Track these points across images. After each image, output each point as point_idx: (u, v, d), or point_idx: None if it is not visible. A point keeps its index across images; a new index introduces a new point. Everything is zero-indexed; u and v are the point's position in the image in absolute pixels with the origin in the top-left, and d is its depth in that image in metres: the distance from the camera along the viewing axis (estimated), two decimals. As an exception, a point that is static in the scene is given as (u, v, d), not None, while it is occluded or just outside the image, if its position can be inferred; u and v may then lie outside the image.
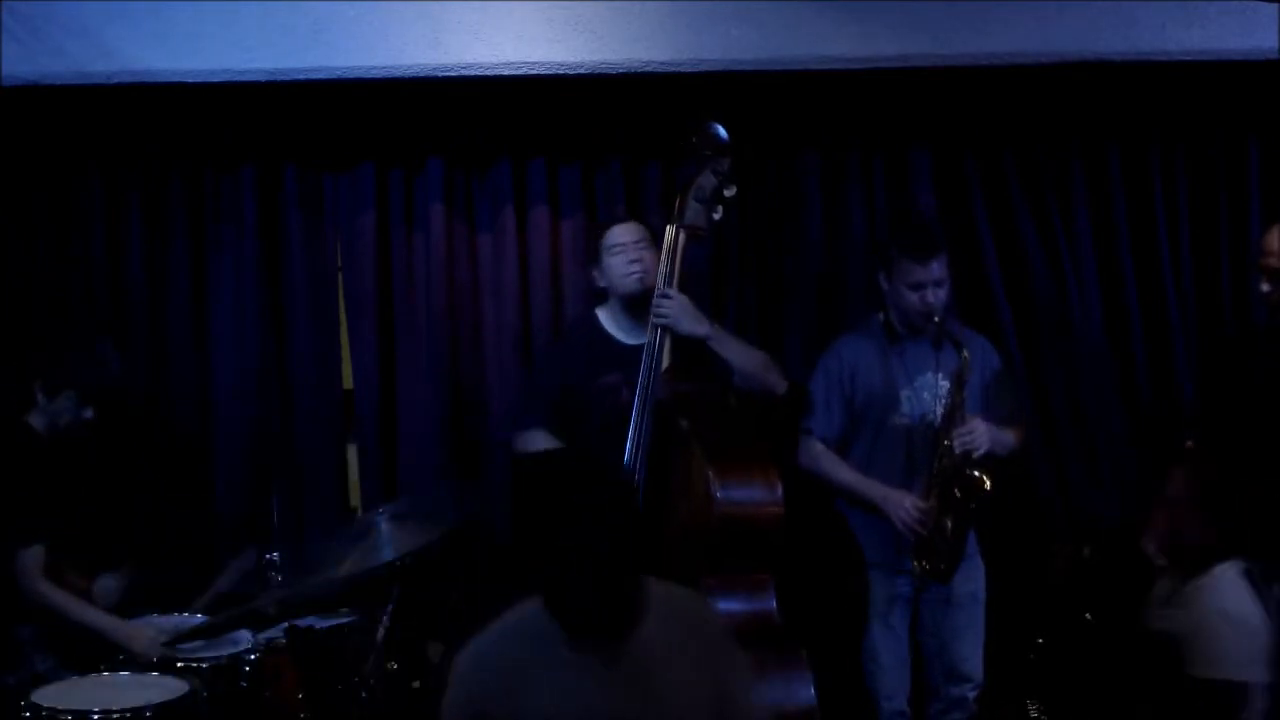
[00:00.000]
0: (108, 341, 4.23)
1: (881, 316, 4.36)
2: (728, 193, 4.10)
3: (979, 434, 4.15)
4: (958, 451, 4.12)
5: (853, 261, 4.90)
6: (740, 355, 4.17)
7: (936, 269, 4.21)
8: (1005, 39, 4.61)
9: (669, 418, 4.00)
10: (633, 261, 4.20)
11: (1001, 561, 4.48)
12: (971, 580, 4.32)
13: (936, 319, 4.19)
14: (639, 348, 4.07)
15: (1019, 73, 4.65)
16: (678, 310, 4.06)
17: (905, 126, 4.91)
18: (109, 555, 4.21)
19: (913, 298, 4.21)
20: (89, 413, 3.99)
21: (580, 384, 4.24)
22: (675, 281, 4.08)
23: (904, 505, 4.16)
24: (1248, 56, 4.63)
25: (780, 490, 3.84)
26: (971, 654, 4.31)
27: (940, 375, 4.24)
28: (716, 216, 4.12)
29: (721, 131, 4.07)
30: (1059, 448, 4.95)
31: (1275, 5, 4.50)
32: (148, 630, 3.91)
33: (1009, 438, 4.32)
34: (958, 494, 4.12)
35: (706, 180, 4.09)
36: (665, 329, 4.04)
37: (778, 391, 4.23)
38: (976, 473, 4.10)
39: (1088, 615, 4.47)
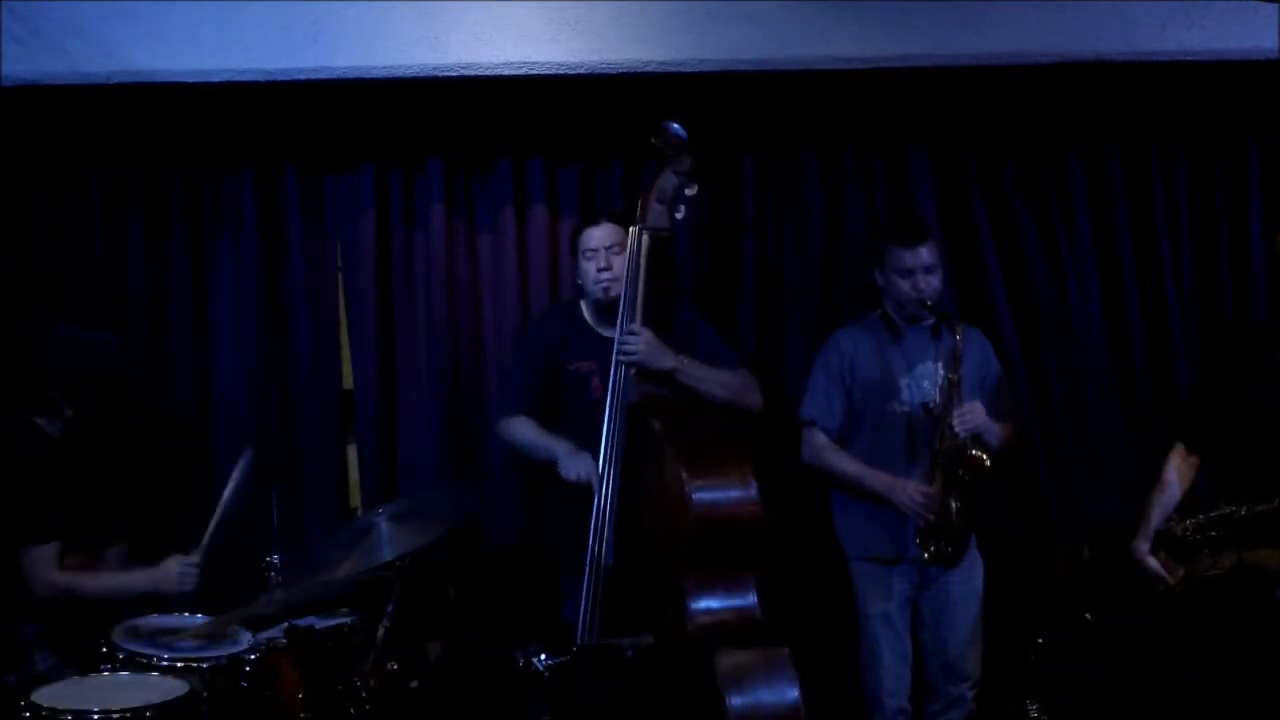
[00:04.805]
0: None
1: (879, 312, 4.39)
2: (689, 191, 4.11)
3: (978, 413, 4.19)
4: (958, 431, 4.15)
5: (852, 262, 4.90)
6: (709, 382, 4.17)
7: (925, 254, 4.26)
8: (1005, 39, 4.61)
9: (642, 420, 3.99)
10: (602, 270, 4.20)
11: (1001, 561, 4.49)
12: (971, 578, 4.33)
13: (929, 303, 4.23)
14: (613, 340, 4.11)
15: (1019, 73, 4.65)
16: (644, 348, 4.06)
17: (905, 126, 4.91)
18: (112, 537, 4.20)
19: (904, 285, 4.25)
20: (70, 411, 3.97)
21: (556, 363, 4.26)
22: (641, 284, 4.08)
23: (909, 492, 4.19)
24: (1248, 57, 4.63)
25: (755, 488, 3.81)
26: (970, 652, 4.33)
27: (939, 363, 4.27)
28: (679, 216, 4.14)
29: (680, 130, 4.07)
30: (1059, 448, 4.94)
31: (1275, 5, 4.51)
32: (173, 565, 3.90)
33: (998, 429, 4.32)
34: (962, 474, 4.15)
35: (667, 181, 4.11)
36: (631, 365, 4.05)
37: (753, 410, 4.25)
38: (975, 451, 4.14)
39: (1088, 615, 4.47)
